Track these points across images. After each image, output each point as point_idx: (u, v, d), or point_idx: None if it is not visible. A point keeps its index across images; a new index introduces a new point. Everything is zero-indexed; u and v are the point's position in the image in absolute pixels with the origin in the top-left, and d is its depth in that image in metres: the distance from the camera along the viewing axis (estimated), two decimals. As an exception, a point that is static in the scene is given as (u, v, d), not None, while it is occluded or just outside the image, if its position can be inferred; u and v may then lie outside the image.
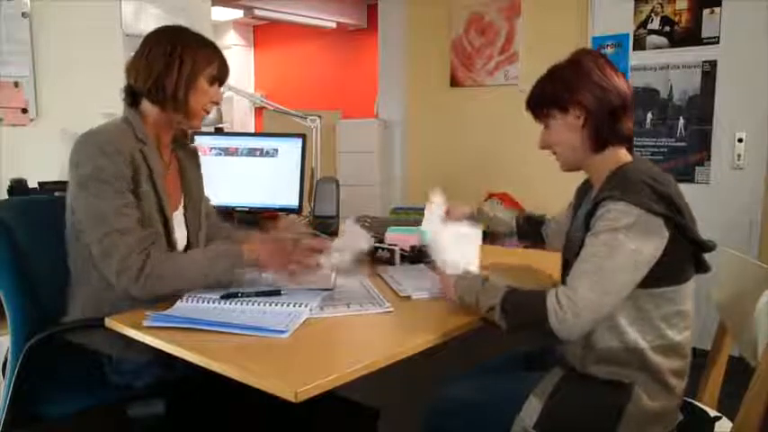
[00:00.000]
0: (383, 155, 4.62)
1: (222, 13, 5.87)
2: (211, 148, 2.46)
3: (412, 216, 2.29)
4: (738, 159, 3.19)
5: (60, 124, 2.92)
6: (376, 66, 4.86)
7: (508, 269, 1.84)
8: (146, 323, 1.30)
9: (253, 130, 6.83)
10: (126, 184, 1.42)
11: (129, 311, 1.39)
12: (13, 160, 2.74)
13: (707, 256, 1.33)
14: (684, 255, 1.29)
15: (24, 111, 2.81)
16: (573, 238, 1.38)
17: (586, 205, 1.38)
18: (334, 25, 6.15)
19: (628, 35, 3.48)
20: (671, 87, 3.37)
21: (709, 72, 3.24)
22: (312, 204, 2.44)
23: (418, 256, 1.90)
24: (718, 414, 1.43)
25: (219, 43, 1.62)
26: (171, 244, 1.54)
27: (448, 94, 4.29)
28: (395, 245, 1.92)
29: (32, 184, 2.61)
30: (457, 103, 4.24)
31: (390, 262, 1.89)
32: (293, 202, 2.47)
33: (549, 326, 1.21)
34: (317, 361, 1.15)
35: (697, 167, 3.31)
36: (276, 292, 1.48)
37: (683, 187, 1.32)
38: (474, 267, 1.52)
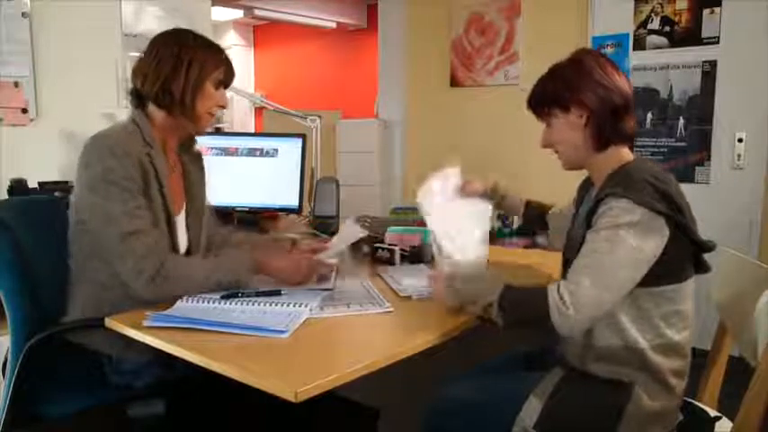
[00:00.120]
0: (383, 155, 4.62)
1: (222, 13, 5.87)
2: (211, 148, 2.46)
3: (411, 216, 2.29)
4: (738, 159, 3.19)
5: (60, 124, 2.92)
6: (376, 66, 4.86)
7: (508, 268, 1.85)
8: (146, 323, 1.30)
9: (253, 130, 6.84)
10: (136, 187, 1.43)
11: (130, 311, 1.40)
12: (13, 160, 2.74)
13: (707, 256, 1.33)
14: (684, 254, 1.29)
15: (24, 111, 2.81)
16: (574, 236, 1.38)
17: (587, 204, 1.38)
18: (334, 25, 6.15)
19: (628, 35, 3.48)
20: (671, 87, 3.37)
21: (709, 72, 3.24)
22: (312, 204, 2.44)
23: (418, 255, 1.90)
24: (719, 414, 1.43)
25: (219, 43, 1.61)
26: (174, 248, 1.54)
27: (448, 94, 4.29)
28: (395, 245, 1.92)
29: (32, 184, 2.61)
30: (457, 103, 4.24)
31: (390, 262, 1.89)
32: (293, 202, 2.47)
33: (550, 322, 1.20)
34: (317, 361, 1.15)
35: (697, 167, 3.31)
36: (276, 292, 1.48)
37: (683, 187, 1.32)
38: (480, 248, 1.52)
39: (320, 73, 6.55)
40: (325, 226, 2.34)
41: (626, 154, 1.39)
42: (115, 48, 3.10)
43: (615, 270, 1.21)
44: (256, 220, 2.57)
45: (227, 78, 1.57)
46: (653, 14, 3.40)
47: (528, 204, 1.82)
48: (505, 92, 3.96)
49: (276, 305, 1.39)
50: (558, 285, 1.22)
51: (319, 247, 1.69)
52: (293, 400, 0.99)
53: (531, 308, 1.25)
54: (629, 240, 1.21)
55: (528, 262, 1.98)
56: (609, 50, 3.51)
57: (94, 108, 2.96)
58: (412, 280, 1.65)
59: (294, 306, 1.38)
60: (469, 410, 1.35)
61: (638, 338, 1.28)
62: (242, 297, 1.43)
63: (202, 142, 1.73)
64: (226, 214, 2.42)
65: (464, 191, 1.71)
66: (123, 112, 3.03)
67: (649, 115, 3.44)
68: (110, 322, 1.36)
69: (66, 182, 2.71)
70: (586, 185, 1.54)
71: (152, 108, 1.53)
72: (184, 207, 1.65)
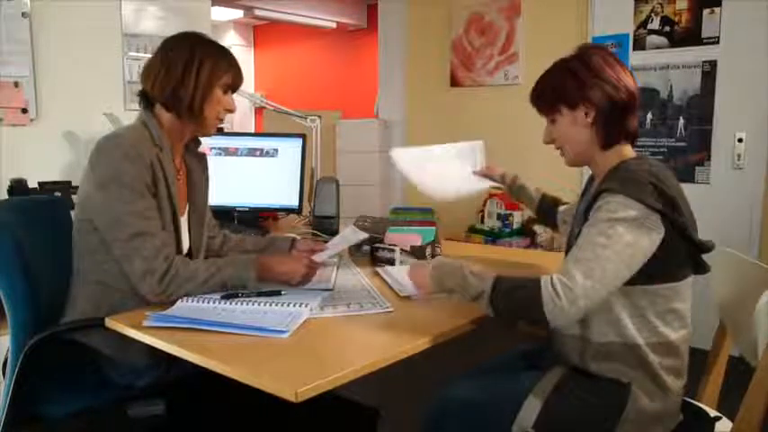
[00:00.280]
0: (383, 155, 4.62)
1: (222, 13, 5.87)
2: (211, 148, 2.46)
3: (411, 216, 2.29)
4: (738, 159, 3.19)
5: (60, 124, 2.93)
6: (376, 66, 4.87)
7: (508, 268, 1.85)
8: (146, 323, 1.30)
9: (253, 130, 6.84)
10: (147, 189, 1.44)
11: (131, 311, 1.40)
12: (13, 160, 2.74)
13: (706, 256, 1.33)
14: (681, 253, 1.29)
15: (24, 111, 2.81)
16: (573, 233, 1.38)
17: (587, 199, 1.38)
18: (334, 25, 6.15)
19: (628, 35, 3.48)
20: (671, 87, 3.37)
21: (709, 72, 3.24)
22: (312, 204, 2.44)
23: (418, 256, 1.90)
24: (719, 414, 1.43)
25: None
26: (179, 249, 1.55)
27: (448, 93, 4.29)
28: (395, 245, 1.92)
29: (32, 184, 2.62)
30: (457, 103, 4.24)
31: (390, 262, 1.89)
32: (293, 202, 2.47)
33: (542, 312, 1.20)
34: (316, 361, 1.15)
35: (697, 167, 3.31)
36: (276, 292, 1.48)
37: (683, 187, 1.32)
38: (477, 183, 1.58)
39: (320, 73, 6.55)
40: (325, 226, 2.34)
41: (628, 151, 1.39)
42: (115, 48, 3.10)
43: (609, 263, 1.21)
44: (256, 220, 2.57)
45: (235, 83, 1.58)
46: (653, 14, 3.40)
47: (543, 197, 1.84)
48: (505, 92, 3.96)
49: (276, 305, 1.39)
50: (551, 277, 1.22)
51: (318, 247, 1.70)
52: (293, 400, 0.99)
53: (523, 298, 1.24)
54: (625, 235, 1.21)
55: (528, 262, 1.98)
56: (609, 50, 3.51)
57: (94, 108, 2.96)
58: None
59: (294, 306, 1.38)
60: (469, 410, 1.35)
61: (635, 336, 1.28)
62: (242, 297, 1.43)
63: (203, 142, 1.73)
64: (226, 214, 2.42)
65: (483, 171, 1.81)
66: (123, 112, 3.04)
67: (649, 115, 3.44)
68: (110, 322, 1.36)
69: (67, 182, 2.71)
70: (591, 181, 1.54)
71: (160, 110, 1.53)
72: (187, 208, 1.65)
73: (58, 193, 2.52)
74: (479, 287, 1.28)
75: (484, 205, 3.79)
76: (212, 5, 3.67)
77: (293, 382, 1.01)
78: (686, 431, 1.34)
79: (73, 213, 1.56)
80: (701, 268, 1.34)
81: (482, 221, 3.82)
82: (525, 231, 3.66)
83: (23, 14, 2.79)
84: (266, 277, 1.49)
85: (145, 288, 1.40)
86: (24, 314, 1.48)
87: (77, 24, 2.96)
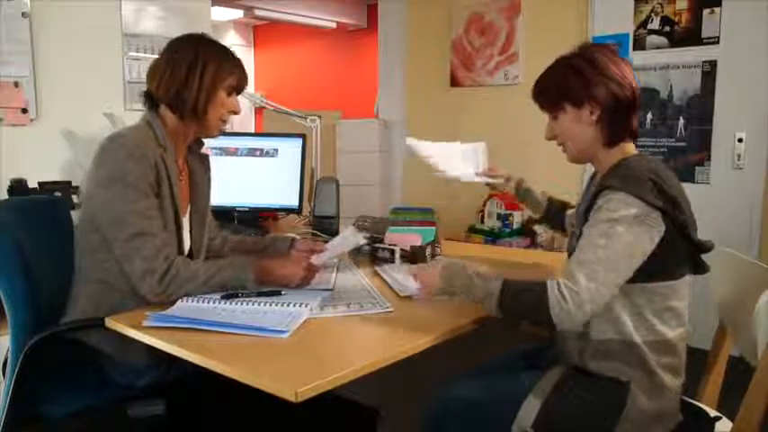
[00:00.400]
0: (383, 155, 4.62)
1: (222, 13, 5.86)
2: (211, 148, 2.46)
3: (411, 216, 2.29)
4: (738, 159, 3.19)
5: (60, 124, 2.92)
6: (376, 66, 4.87)
7: (508, 268, 1.85)
8: (146, 323, 1.30)
9: (253, 130, 6.83)
10: (151, 189, 1.44)
11: (130, 311, 1.40)
12: (13, 160, 2.74)
13: (705, 256, 1.33)
14: (680, 252, 1.29)
15: (24, 111, 2.81)
16: (575, 234, 1.38)
17: (587, 198, 1.38)
18: (334, 25, 6.15)
19: (628, 35, 3.48)
20: (671, 87, 3.37)
21: (709, 72, 3.24)
22: (312, 204, 2.44)
23: (418, 256, 1.90)
24: (719, 414, 1.43)
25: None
26: (180, 249, 1.56)
27: (448, 93, 4.29)
28: (395, 245, 1.92)
29: (32, 184, 2.61)
30: (457, 103, 4.24)
31: (390, 262, 1.89)
32: (293, 202, 2.47)
33: (549, 316, 1.21)
34: (317, 361, 1.15)
35: (697, 167, 3.31)
36: (276, 292, 1.48)
37: (683, 187, 1.32)
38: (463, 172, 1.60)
39: (320, 73, 6.55)
40: (325, 226, 2.34)
41: (630, 148, 1.39)
42: (115, 48, 3.10)
43: (612, 265, 1.21)
44: (256, 220, 2.57)
45: (239, 85, 1.58)
46: (653, 14, 3.40)
47: (550, 201, 1.84)
48: (505, 92, 3.96)
49: (276, 305, 1.39)
50: (557, 282, 1.22)
51: (317, 247, 1.69)
52: (293, 400, 0.99)
53: (530, 302, 1.25)
54: (625, 235, 1.21)
55: (528, 262, 1.98)
56: (609, 50, 3.51)
57: (94, 108, 2.96)
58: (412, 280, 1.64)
59: (294, 306, 1.38)
60: (469, 410, 1.35)
61: (632, 333, 1.29)
62: (242, 297, 1.43)
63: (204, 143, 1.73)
64: (226, 214, 2.42)
65: (487, 172, 1.85)
66: (123, 112, 3.04)
67: (649, 115, 3.44)
68: (110, 322, 1.36)
69: (67, 182, 2.71)
70: (593, 178, 1.54)
71: (165, 111, 1.54)
72: (189, 208, 1.65)
73: (58, 193, 2.52)
74: (486, 289, 1.29)
75: (484, 205, 3.79)
76: (212, 5, 3.67)
77: (293, 382, 1.01)
78: (686, 431, 1.34)
79: (74, 213, 1.56)
80: (700, 268, 1.35)
81: (482, 221, 3.82)
82: (525, 231, 3.66)
83: (23, 14, 2.79)
84: (266, 280, 1.50)
85: (145, 288, 1.40)
86: (24, 314, 1.48)
87: (77, 24, 2.96)
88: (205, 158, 1.74)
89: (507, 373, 1.48)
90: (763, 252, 3.13)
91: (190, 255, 1.63)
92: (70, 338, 1.47)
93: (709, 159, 3.28)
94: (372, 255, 1.94)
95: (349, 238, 1.65)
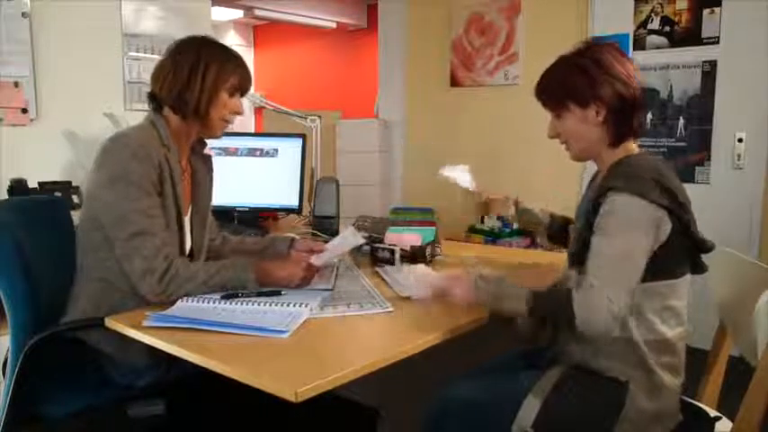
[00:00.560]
0: (383, 155, 4.62)
1: (222, 13, 5.86)
2: (211, 148, 2.46)
3: (411, 216, 2.29)
4: (738, 159, 3.19)
5: (60, 124, 2.92)
6: (376, 66, 4.86)
7: (508, 268, 1.84)
8: (146, 323, 1.30)
9: (253, 130, 6.83)
10: (153, 189, 1.45)
11: (130, 311, 1.40)
12: (13, 160, 2.74)
13: (705, 256, 1.33)
14: (681, 250, 1.29)
15: (24, 111, 2.81)
16: (578, 233, 1.38)
17: (590, 196, 1.38)
18: (334, 25, 6.14)
19: (628, 35, 3.48)
20: (671, 87, 3.37)
21: (709, 72, 3.24)
22: (312, 204, 2.44)
23: (418, 256, 1.90)
24: (719, 414, 1.43)
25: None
26: (182, 249, 1.56)
27: (448, 93, 4.29)
28: (395, 245, 1.92)
29: (32, 184, 2.62)
30: (457, 103, 4.24)
31: (390, 262, 1.89)
32: (293, 202, 2.47)
33: (574, 327, 1.21)
34: (317, 361, 1.15)
35: (697, 167, 3.31)
36: (276, 292, 1.48)
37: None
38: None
39: (320, 73, 6.55)
40: (325, 226, 2.34)
41: (632, 147, 1.39)
42: (115, 48, 3.10)
43: (629, 268, 1.22)
44: (256, 220, 2.57)
45: (242, 86, 1.59)
46: (653, 14, 3.40)
47: (552, 218, 1.80)
48: (505, 92, 3.96)
49: (276, 305, 1.39)
50: (578, 293, 1.21)
51: (317, 247, 1.69)
52: (293, 400, 0.99)
53: (557, 315, 1.26)
54: (638, 238, 1.22)
55: (528, 262, 1.98)
56: (609, 50, 3.51)
57: (94, 108, 2.96)
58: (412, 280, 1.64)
59: (294, 306, 1.38)
60: (469, 410, 1.35)
61: (633, 331, 1.29)
62: (242, 297, 1.43)
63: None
64: (226, 214, 2.42)
65: (480, 189, 1.88)
66: (123, 112, 3.04)
67: (649, 115, 3.44)
68: (110, 322, 1.36)
69: (67, 182, 2.71)
70: (595, 177, 1.54)
71: (168, 112, 1.55)
72: (190, 209, 1.65)
73: (58, 193, 2.53)
74: (516, 308, 1.29)
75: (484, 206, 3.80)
76: (212, 5, 3.67)
77: (293, 382, 1.01)
78: (686, 431, 1.35)
79: (74, 213, 1.56)
80: (699, 268, 1.35)
81: (482, 221, 3.82)
82: (525, 231, 3.66)
83: (23, 14, 2.79)
84: (265, 282, 1.50)
85: (144, 287, 1.40)
86: (24, 314, 1.48)
87: (77, 24, 2.96)
88: (208, 159, 1.74)
89: (507, 373, 1.48)
90: (763, 252, 3.13)
91: (191, 255, 1.63)
92: (70, 338, 1.47)
93: (709, 159, 3.28)
94: (372, 255, 1.94)
95: (349, 238, 1.65)
